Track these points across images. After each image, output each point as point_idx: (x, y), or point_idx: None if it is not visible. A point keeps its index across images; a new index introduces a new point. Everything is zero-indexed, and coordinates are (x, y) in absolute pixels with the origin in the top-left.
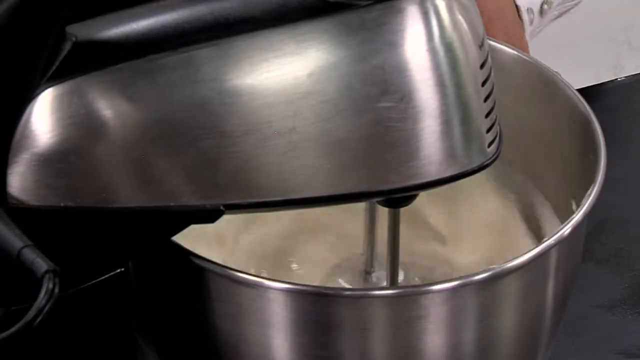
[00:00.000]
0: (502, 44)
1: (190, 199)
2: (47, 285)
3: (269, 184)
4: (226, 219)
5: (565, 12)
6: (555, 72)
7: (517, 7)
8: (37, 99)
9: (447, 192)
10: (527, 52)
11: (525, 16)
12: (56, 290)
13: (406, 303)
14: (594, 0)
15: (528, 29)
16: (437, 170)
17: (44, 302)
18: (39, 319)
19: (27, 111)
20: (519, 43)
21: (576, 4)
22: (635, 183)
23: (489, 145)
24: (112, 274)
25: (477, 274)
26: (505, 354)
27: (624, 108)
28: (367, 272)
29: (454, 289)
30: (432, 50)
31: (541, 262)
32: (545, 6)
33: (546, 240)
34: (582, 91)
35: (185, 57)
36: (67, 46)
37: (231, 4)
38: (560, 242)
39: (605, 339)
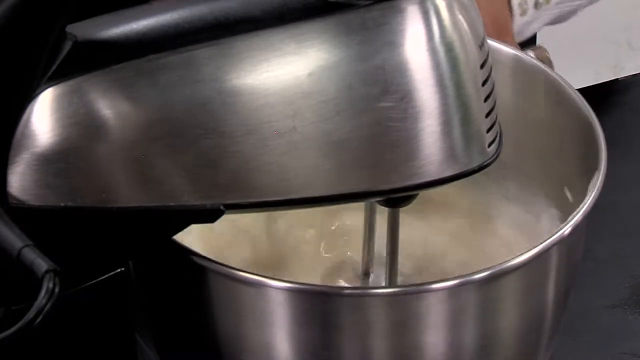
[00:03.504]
0: (501, 44)
1: (191, 199)
2: (47, 285)
3: (269, 184)
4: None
5: (569, 12)
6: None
7: None
8: (37, 98)
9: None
10: (513, 40)
11: (515, 6)
12: (56, 290)
13: (406, 302)
14: None
15: (518, 19)
16: (437, 170)
17: (44, 302)
18: (39, 318)
19: (27, 111)
20: (505, 30)
21: (580, 5)
22: (635, 183)
23: (489, 145)
24: (112, 274)
25: (477, 273)
26: (506, 354)
27: (624, 108)
28: (366, 272)
29: (453, 287)
30: (433, 50)
31: (541, 261)
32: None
33: (546, 240)
34: (582, 91)
35: (186, 57)
36: (68, 46)
37: (231, 4)
38: (560, 242)
39: (605, 339)
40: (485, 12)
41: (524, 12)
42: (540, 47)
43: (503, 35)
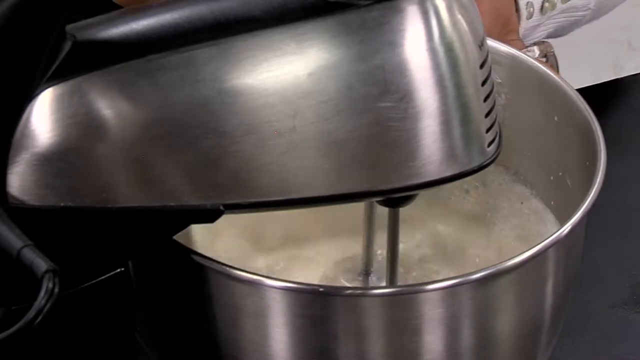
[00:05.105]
0: (501, 44)
1: (191, 199)
2: (47, 285)
3: (269, 184)
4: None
5: (571, 24)
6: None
7: None
8: (37, 98)
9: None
10: (519, 38)
11: (522, 7)
12: (56, 290)
13: (404, 302)
14: None
15: (524, 22)
16: (437, 170)
17: (44, 302)
18: (39, 318)
19: (27, 111)
20: (511, 27)
21: (584, 17)
22: (635, 183)
23: (489, 145)
24: (112, 274)
25: (474, 273)
26: (505, 354)
27: (624, 108)
28: (366, 273)
29: (450, 288)
30: (432, 50)
31: (539, 262)
32: (547, 4)
33: (544, 241)
34: (582, 91)
35: (186, 57)
36: (67, 46)
37: (231, 4)
38: (558, 242)
39: (605, 339)
40: (489, 8)
41: (530, 15)
42: (545, 42)
43: (508, 32)
